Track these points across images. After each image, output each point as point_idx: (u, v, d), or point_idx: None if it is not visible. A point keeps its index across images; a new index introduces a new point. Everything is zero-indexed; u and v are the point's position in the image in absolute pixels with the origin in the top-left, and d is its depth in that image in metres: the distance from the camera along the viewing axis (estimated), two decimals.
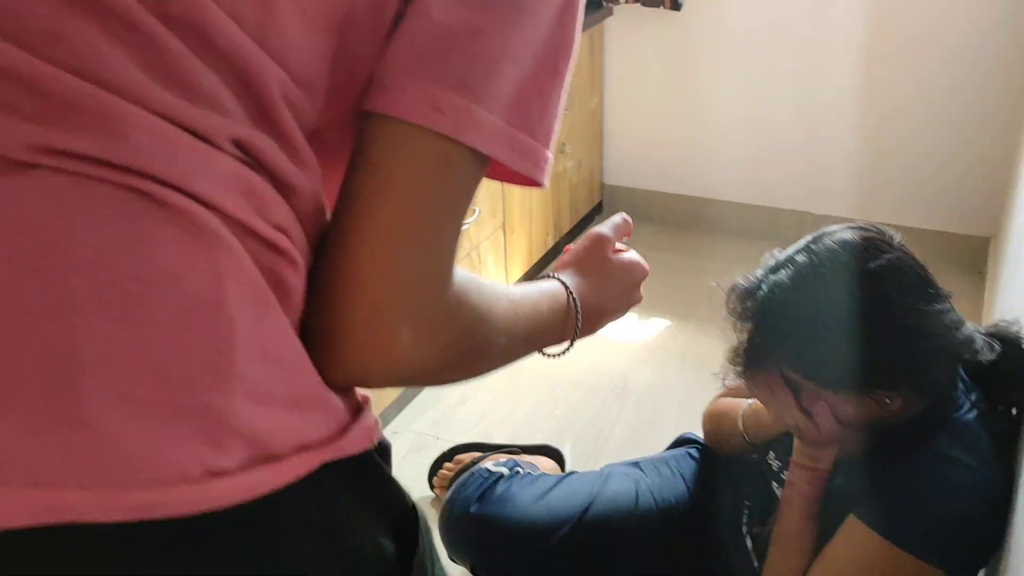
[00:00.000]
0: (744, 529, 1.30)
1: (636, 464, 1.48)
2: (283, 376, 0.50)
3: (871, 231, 1.10)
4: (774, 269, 1.11)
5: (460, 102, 0.52)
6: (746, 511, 1.31)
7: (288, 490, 0.48)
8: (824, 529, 1.13)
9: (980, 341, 1.09)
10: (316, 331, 0.52)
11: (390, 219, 0.52)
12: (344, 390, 0.54)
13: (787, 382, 1.10)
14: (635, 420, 2.01)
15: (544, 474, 1.53)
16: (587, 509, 1.35)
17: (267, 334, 0.49)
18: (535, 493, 1.40)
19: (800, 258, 1.10)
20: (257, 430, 0.48)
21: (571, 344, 0.76)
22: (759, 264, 1.15)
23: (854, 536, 1.09)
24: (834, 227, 1.12)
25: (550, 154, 0.58)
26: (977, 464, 1.07)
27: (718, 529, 1.34)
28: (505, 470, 1.48)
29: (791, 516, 1.16)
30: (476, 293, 0.57)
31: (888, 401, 1.07)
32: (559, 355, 0.77)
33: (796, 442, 1.16)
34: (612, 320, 0.82)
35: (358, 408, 0.55)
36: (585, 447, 1.96)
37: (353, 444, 0.53)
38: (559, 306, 0.73)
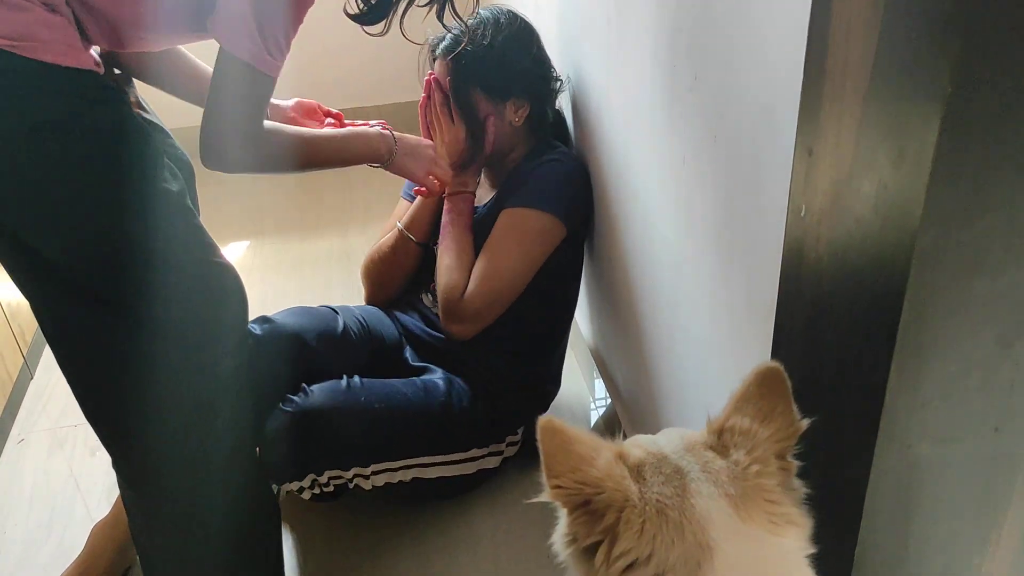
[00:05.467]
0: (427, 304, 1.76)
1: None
2: None
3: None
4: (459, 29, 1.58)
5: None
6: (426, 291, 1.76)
7: None
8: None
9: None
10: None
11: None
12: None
13: (470, 102, 1.60)
14: None
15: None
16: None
17: None
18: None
19: (474, 19, 1.60)
20: None
21: (387, 163, 1.45)
22: None
23: (501, 220, 1.57)
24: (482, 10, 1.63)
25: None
26: (572, 156, 1.68)
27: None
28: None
29: (456, 232, 1.58)
30: (276, 131, 1.23)
31: (516, 109, 1.62)
32: (379, 166, 1.45)
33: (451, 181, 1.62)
34: (411, 170, 1.50)
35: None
36: None
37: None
38: (368, 135, 1.42)
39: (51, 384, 2.15)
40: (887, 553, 0.76)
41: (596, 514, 0.67)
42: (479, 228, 1.61)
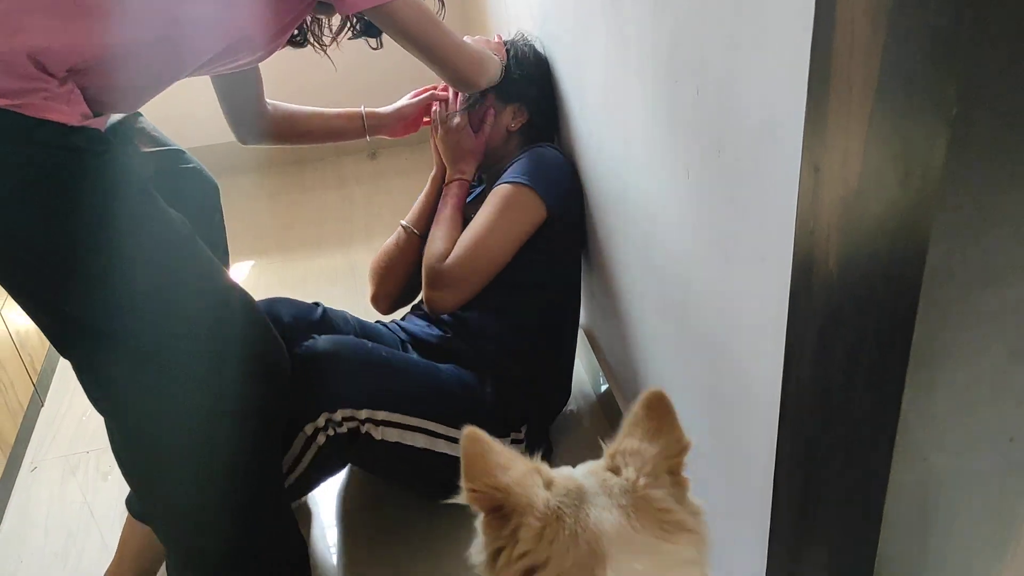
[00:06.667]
0: None
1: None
2: None
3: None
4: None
5: None
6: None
7: None
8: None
9: None
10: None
11: None
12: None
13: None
14: None
15: None
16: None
17: None
18: None
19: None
20: None
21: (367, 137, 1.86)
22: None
23: (488, 199, 1.69)
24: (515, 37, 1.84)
25: None
26: (561, 151, 1.77)
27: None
28: None
29: (448, 211, 1.73)
30: (279, 109, 1.74)
31: (515, 112, 1.78)
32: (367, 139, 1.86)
33: (448, 169, 1.79)
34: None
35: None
36: None
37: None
38: (349, 112, 1.84)
39: (62, 411, 2.16)
40: (906, 563, 0.77)
41: (505, 519, 0.73)
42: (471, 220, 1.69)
